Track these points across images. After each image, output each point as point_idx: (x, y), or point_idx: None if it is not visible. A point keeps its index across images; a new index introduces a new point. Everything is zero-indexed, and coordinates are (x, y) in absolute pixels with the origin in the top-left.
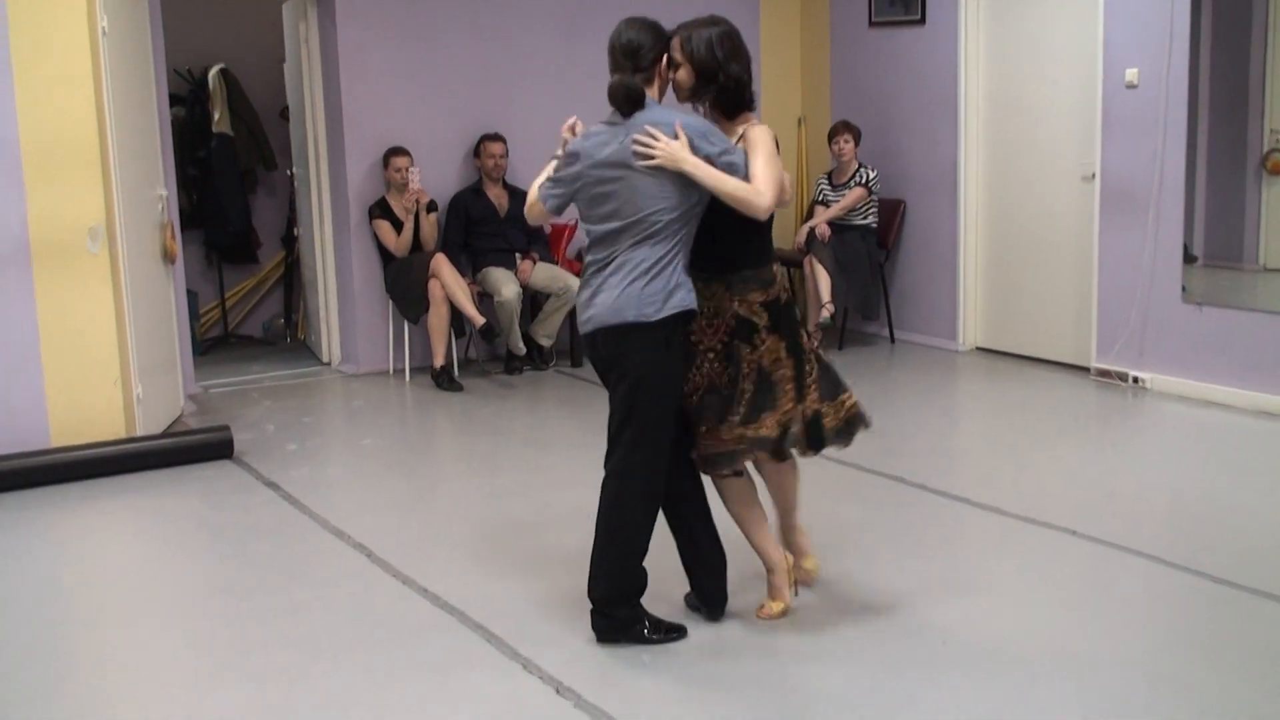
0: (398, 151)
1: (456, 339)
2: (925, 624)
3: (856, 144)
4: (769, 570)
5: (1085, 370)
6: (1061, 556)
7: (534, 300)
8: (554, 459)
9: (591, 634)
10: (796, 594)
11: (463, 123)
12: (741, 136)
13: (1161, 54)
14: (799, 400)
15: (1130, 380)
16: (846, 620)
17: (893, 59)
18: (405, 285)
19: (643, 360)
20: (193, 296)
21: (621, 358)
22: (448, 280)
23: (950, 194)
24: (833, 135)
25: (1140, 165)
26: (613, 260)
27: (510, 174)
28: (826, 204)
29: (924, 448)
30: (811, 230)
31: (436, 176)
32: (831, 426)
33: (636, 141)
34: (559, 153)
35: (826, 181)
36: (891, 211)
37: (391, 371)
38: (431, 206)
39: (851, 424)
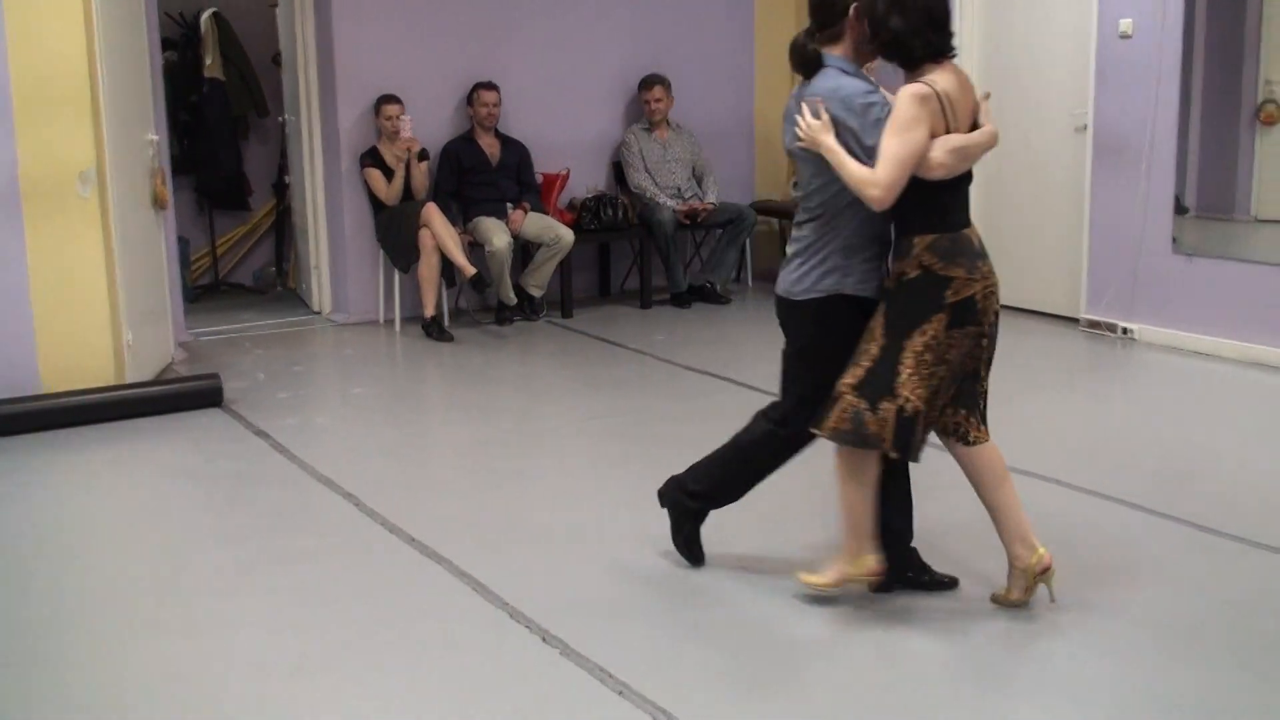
0: (389, 99)
1: (447, 289)
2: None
3: None
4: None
5: (1075, 321)
6: (1050, 505)
7: (525, 250)
8: (544, 408)
9: (576, 586)
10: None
11: (456, 71)
12: None
13: (1156, 3)
14: (863, 386)
15: (1120, 331)
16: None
17: None
18: (396, 234)
19: (796, 334)
20: (184, 243)
21: (784, 324)
22: (438, 229)
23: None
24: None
25: (1133, 116)
26: (798, 229)
27: (503, 123)
28: None
29: None
30: None
31: (428, 125)
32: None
33: (794, 123)
34: None
35: None
36: None
37: (382, 321)
38: (423, 155)
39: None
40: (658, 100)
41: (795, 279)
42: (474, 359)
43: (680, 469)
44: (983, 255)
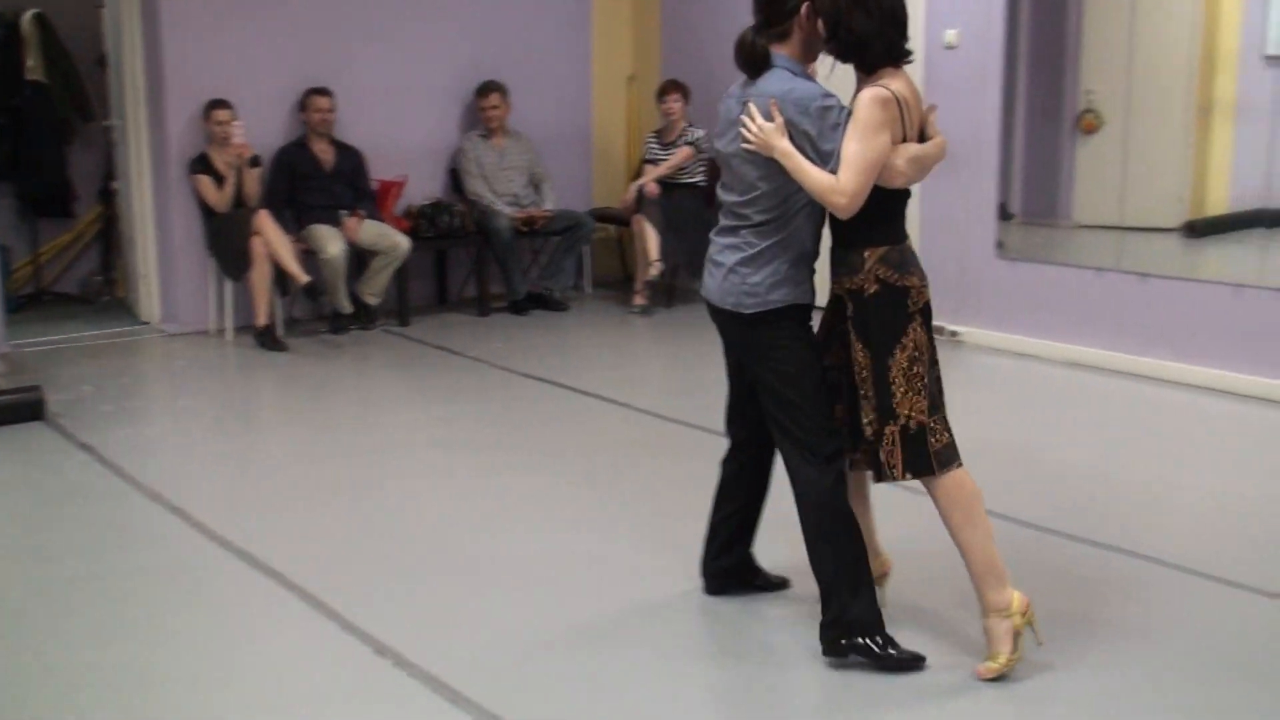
0: (220, 104)
1: (281, 297)
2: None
3: (685, 103)
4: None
5: None
6: (878, 503)
7: (360, 258)
8: (381, 418)
9: (411, 597)
10: None
11: (288, 75)
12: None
13: (981, 15)
14: (881, 416)
15: (948, 334)
16: (655, 571)
17: (723, 18)
18: (227, 242)
19: (769, 347)
20: (4, 251)
21: (740, 340)
22: (271, 237)
23: None
24: (662, 94)
25: (959, 125)
26: (732, 234)
27: (338, 129)
28: (655, 162)
29: None
30: (640, 189)
31: (261, 130)
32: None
33: (739, 124)
34: None
35: (655, 140)
36: (719, 171)
37: (214, 331)
38: (255, 161)
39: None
40: (494, 107)
41: (743, 291)
42: (308, 369)
43: (516, 475)
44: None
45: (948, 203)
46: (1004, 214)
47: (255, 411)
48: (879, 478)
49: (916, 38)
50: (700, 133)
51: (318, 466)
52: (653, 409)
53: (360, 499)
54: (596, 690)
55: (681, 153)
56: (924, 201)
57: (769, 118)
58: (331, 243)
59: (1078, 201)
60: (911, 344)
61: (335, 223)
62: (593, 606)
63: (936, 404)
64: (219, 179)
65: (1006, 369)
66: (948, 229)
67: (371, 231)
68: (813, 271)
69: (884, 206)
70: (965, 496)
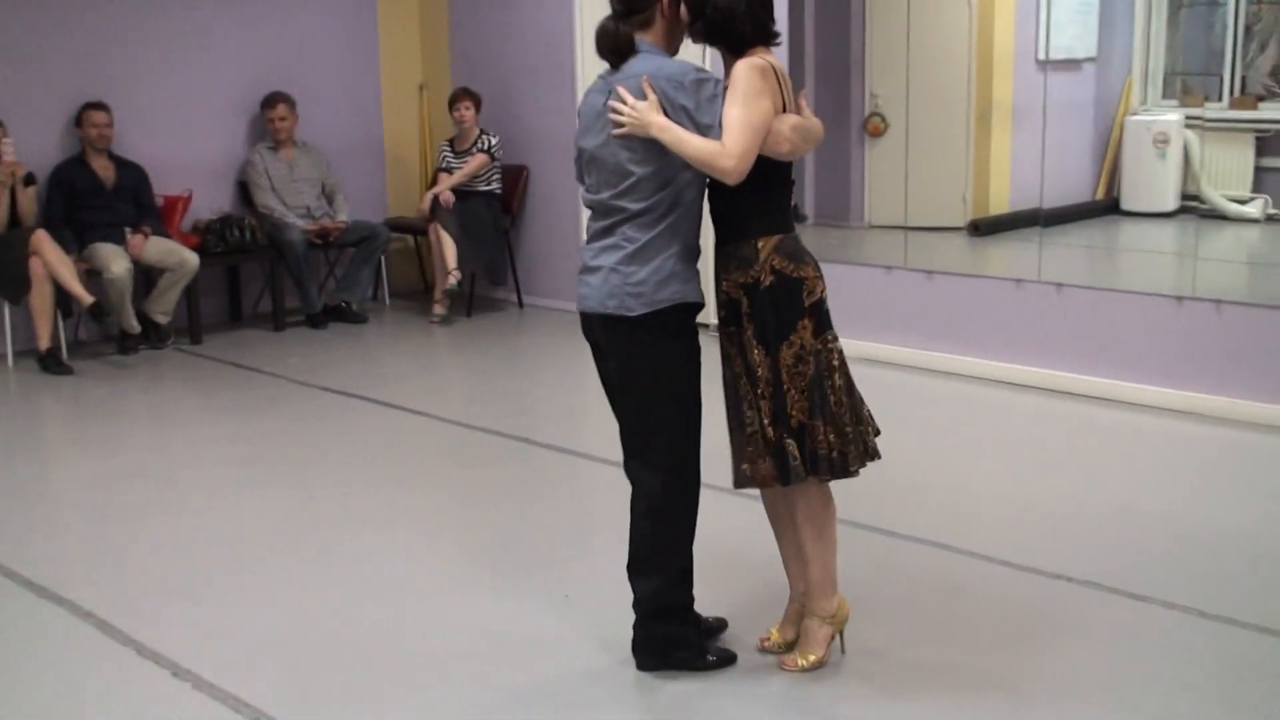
0: None
1: (64, 319)
2: (565, 581)
3: (478, 111)
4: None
5: (705, 326)
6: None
7: (148, 276)
8: (174, 438)
9: (208, 618)
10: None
11: (62, 88)
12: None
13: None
14: (773, 419)
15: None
16: (455, 571)
17: (512, 25)
18: (3, 264)
19: (644, 357)
20: None
21: (619, 350)
22: (50, 258)
23: (571, 160)
24: (453, 102)
25: None
26: (608, 235)
27: (117, 144)
28: (450, 171)
29: (554, 409)
30: (435, 197)
31: (34, 147)
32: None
33: (609, 109)
34: None
35: (449, 148)
36: (515, 177)
37: None
38: (29, 179)
39: (818, 462)
40: (281, 119)
41: (626, 292)
42: (96, 391)
43: (318, 490)
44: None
45: None
46: (797, 216)
47: (40, 438)
48: (785, 481)
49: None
50: (495, 139)
51: (109, 490)
52: (456, 418)
53: (153, 521)
54: (366, 692)
55: (475, 160)
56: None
57: (641, 98)
58: (115, 261)
59: (868, 203)
60: (800, 343)
61: (119, 240)
62: (385, 613)
63: (817, 408)
64: None
65: None
66: None
67: (158, 249)
68: (697, 268)
69: (771, 194)
70: (826, 511)
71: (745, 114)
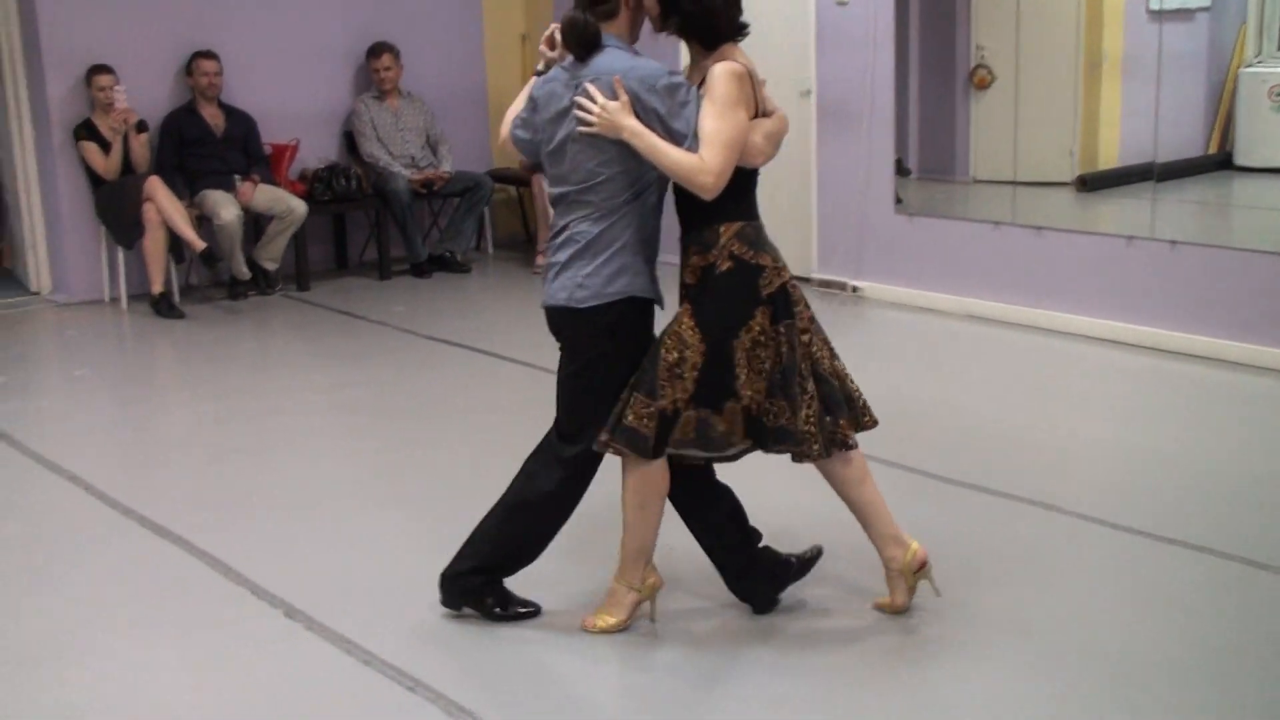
0: (100, 69)
1: (176, 264)
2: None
3: None
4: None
5: (808, 280)
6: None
7: (257, 223)
8: (281, 383)
9: (317, 561)
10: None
11: (173, 38)
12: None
13: None
14: (701, 397)
15: (849, 289)
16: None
17: None
18: (118, 210)
19: (584, 347)
20: None
21: (566, 339)
22: (163, 204)
23: None
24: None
25: (853, 81)
26: (564, 230)
27: (226, 93)
28: None
29: None
30: None
31: (146, 95)
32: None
33: (576, 104)
34: (538, 69)
35: None
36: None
37: (107, 300)
38: (142, 126)
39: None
40: (386, 69)
41: (576, 284)
42: (206, 336)
43: (420, 438)
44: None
45: (845, 159)
46: (901, 170)
47: (153, 380)
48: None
49: None
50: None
51: (218, 432)
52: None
53: (262, 463)
54: (499, 643)
55: None
56: (821, 158)
57: (612, 97)
58: (225, 208)
59: (974, 157)
60: (758, 328)
61: (228, 188)
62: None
63: (776, 389)
64: (105, 145)
65: (906, 323)
66: (845, 186)
67: (266, 196)
68: (652, 263)
69: (736, 182)
70: (657, 488)
71: (724, 127)
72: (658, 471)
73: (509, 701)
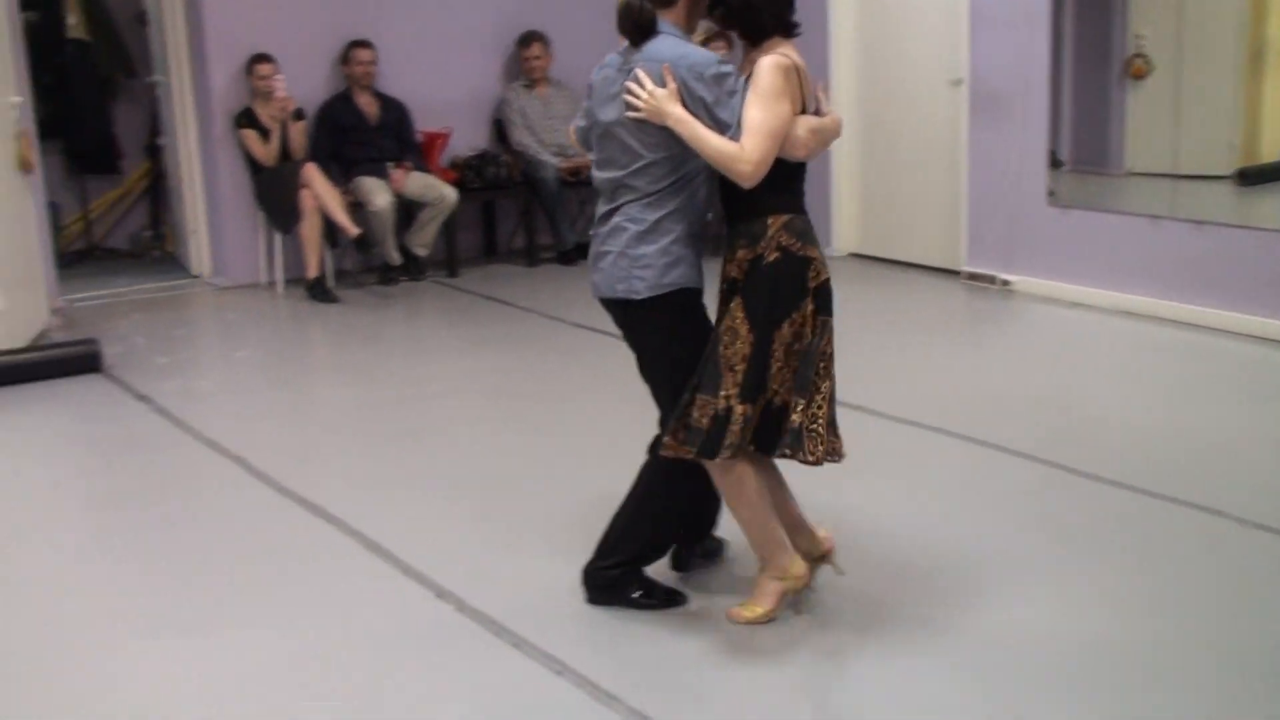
0: (262, 58)
1: (330, 250)
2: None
3: (729, 48)
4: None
5: (956, 274)
6: (931, 454)
7: (409, 210)
8: (432, 368)
9: (470, 542)
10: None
11: (329, 28)
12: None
13: None
14: (746, 390)
15: (999, 283)
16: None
17: None
18: (276, 195)
19: (654, 340)
20: (54, 208)
21: (632, 332)
22: (319, 190)
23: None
24: (705, 41)
25: (1007, 70)
26: (612, 216)
27: (381, 81)
28: None
29: None
30: None
31: (304, 84)
32: (794, 426)
33: (626, 89)
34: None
35: None
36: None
37: (264, 283)
38: (299, 114)
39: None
40: (536, 58)
41: (632, 275)
42: (360, 320)
43: (569, 423)
44: None
45: (996, 150)
46: (1054, 161)
47: (308, 362)
48: (709, 455)
49: None
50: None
51: (373, 415)
52: None
53: (415, 447)
54: (645, 630)
55: None
56: (972, 149)
57: (661, 84)
58: (379, 195)
59: (1129, 149)
60: (800, 321)
61: (382, 175)
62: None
63: (804, 385)
64: (264, 133)
65: (1058, 318)
66: (997, 177)
67: (418, 183)
68: (701, 253)
69: (786, 175)
70: (749, 480)
71: (765, 118)
72: (738, 466)
73: (653, 688)
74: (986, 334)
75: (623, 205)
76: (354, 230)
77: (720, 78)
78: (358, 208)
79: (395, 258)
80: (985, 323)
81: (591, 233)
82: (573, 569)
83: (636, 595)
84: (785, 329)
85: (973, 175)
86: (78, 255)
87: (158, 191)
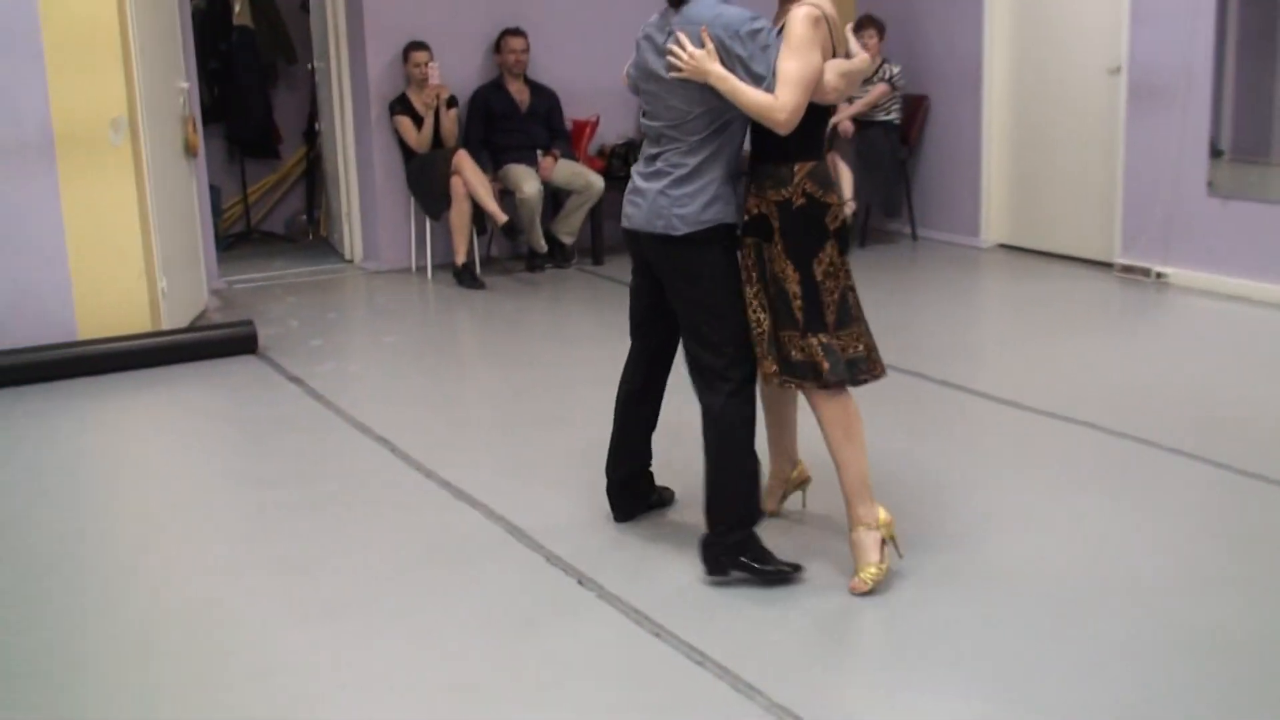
0: (417, 46)
1: (478, 236)
2: (945, 520)
3: (881, 39)
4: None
5: (1109, 266)
6: (1083, 450)
7: (555, 197)
8: (576, 355)
9: (612, 532)
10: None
11: (484, 16)
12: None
13: None
14: (805, 328)
15: (1153, 275)
16: None
17: None
18: (427, 182)
19: (698, 272)
20: (215, 191)
21: (674, 266)
22: (469, 177)
23: (974, 89)
24: (857, 30)
25: (1168, 58)
26: (656, 159)
27: (532, 69)
28: (849, 100)
29: (945, 344)
30: (834, 126)
31: (457, 71)
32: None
33: (667, 51)
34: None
35: None
36: (915, 107)
37: (414, 268)
38: (452, 102)
39: (854, 365)
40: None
41: (672, 214)
42: (506, 306)
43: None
44: None
45: (1155, 140)
46: (1214, 151)
47: (455, 347)
48: (821, 384)
49: None
50: (897, 69)
51: (517, 401)
52: None
53: (559, 433)
54: (780, 616)
55: (877, 90)
56: (1129, 139)
57: (699, 45)
58: (528, 182)
59: None
60: (828, 259)
61: (531, 162)
62: (784, 543)
63: (844, 320)
64: (418, 120)
65: (1216, 311)
66: (1154, 166)
67: (566, 171)
68: (740, 193)
69: (811, 122)
70: (850, 416)
71: (798, 67)
72: (847, 398)
73: (793, 677)
74: (1140, 328)
75: (665, 151)
76: (502, 217)
77: (754, 33)
78: (506, 195)
79: (542, 245)
80: (1139, 316)
81: (635, 170)
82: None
83: (752, 563)
84: (815, 268)
85: (1129, 165)
86: (236, 238)
87: (313, 176)
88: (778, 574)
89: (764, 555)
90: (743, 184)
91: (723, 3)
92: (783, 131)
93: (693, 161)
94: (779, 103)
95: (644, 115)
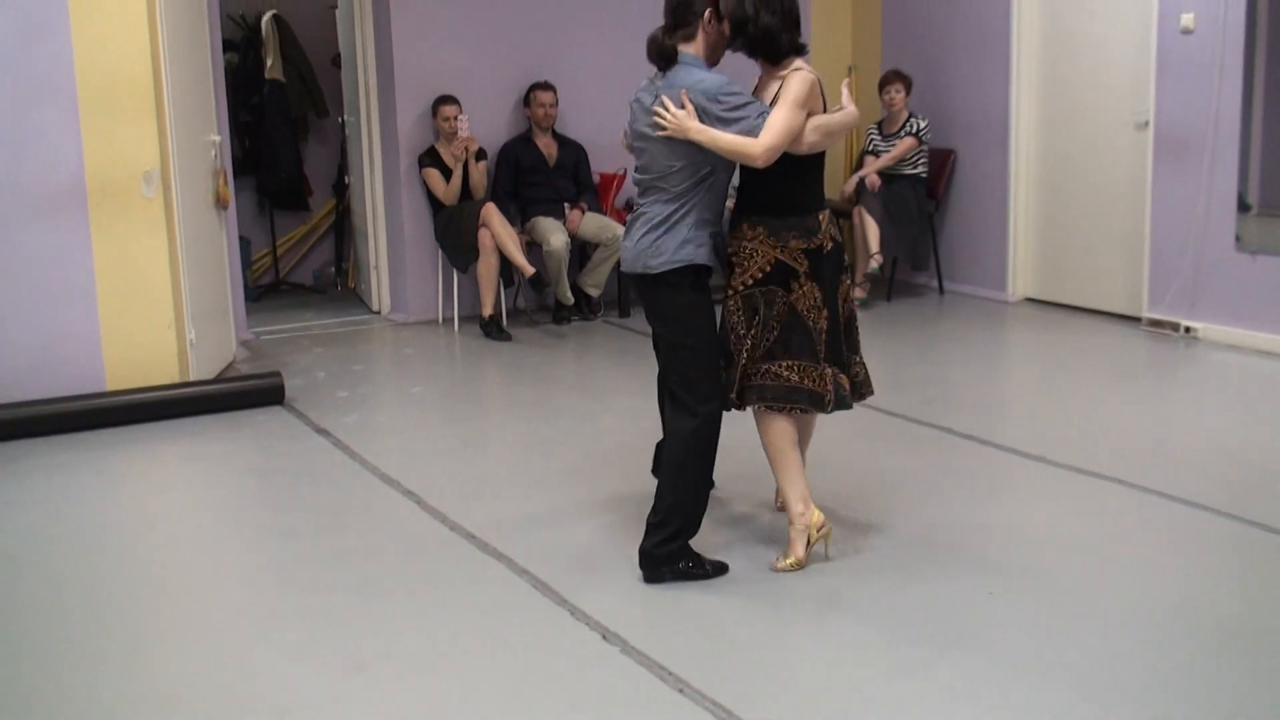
0: (446, 100)
1: (505, 288)
2: (970, 573)
3: (907, 93)
4: (789, 521)
5: (1136, 320)
6: (1109, 505)
7: (582, 250)
8: (602, 407)
9: (637, 587)
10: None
11: (513, 71)
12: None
13: None
14: (832, 359)
15: (1182, 330)
16: (889, 568)
17: (945, 6)
18: (455, 234)
19: (670, 305)
20: (245, 243)
21: (653, 301)
22: (497, 229)
23: (1001, 144)
24: (883, 84)
25: (1195, 112)
26: (643, 209)
27: (560, 123)
28: (876, 154)
29: (972, 398)
30: (861, 180)
31: (486, 125)
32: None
33: (653, 113)
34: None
35: (876, 131)
36: (942, 161)
37: (441, 320)
38: (481, 155)
39: (858, 389)
40: None
41: (651, 254)
42: (532, 358)
43: (733, 461)
44: None
45: (1182, 195)
46: (1242, 205)
47: (481, 399)
48: (860, 398)
49: (1149, 21)
50: (924, 123)
51: (543, 454)
52: (873, 404)
53: (585, 485)
54: (828, 688)
55: (904, 143)
56: (1156, 193)
57: (681, 107)
58: (555, 235)
59: None
60: (845, 292)
61: (558, 215)
62: (820, 611)
63: (856, 345)
64: (447, 172)
65: (1245, 367)
66: (1182, 221)
67: (593, 224)
68: (709, 237)
69: (819, 175)
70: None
71: (786, 118)
72: (783, 419)
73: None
74: (1168, 382)
75: (653, 201)
76: (529, 269)
77: (730, 95)
78: (534, 247)
79: (568, 297)
80: (1167, 371)
81: (628, 218)
82: (756, 618)
83: (689, 567)
84: (841, 306)
85: (1156, 219)
86: (265, 289)
87: (342, 228)
88: (705, 575)
89: (697, 559)
90: (721, 232)
91: (701, 70)
92: (757, 165)
93: (672, 209)
94: (758, 141)
95: (636, 170)
